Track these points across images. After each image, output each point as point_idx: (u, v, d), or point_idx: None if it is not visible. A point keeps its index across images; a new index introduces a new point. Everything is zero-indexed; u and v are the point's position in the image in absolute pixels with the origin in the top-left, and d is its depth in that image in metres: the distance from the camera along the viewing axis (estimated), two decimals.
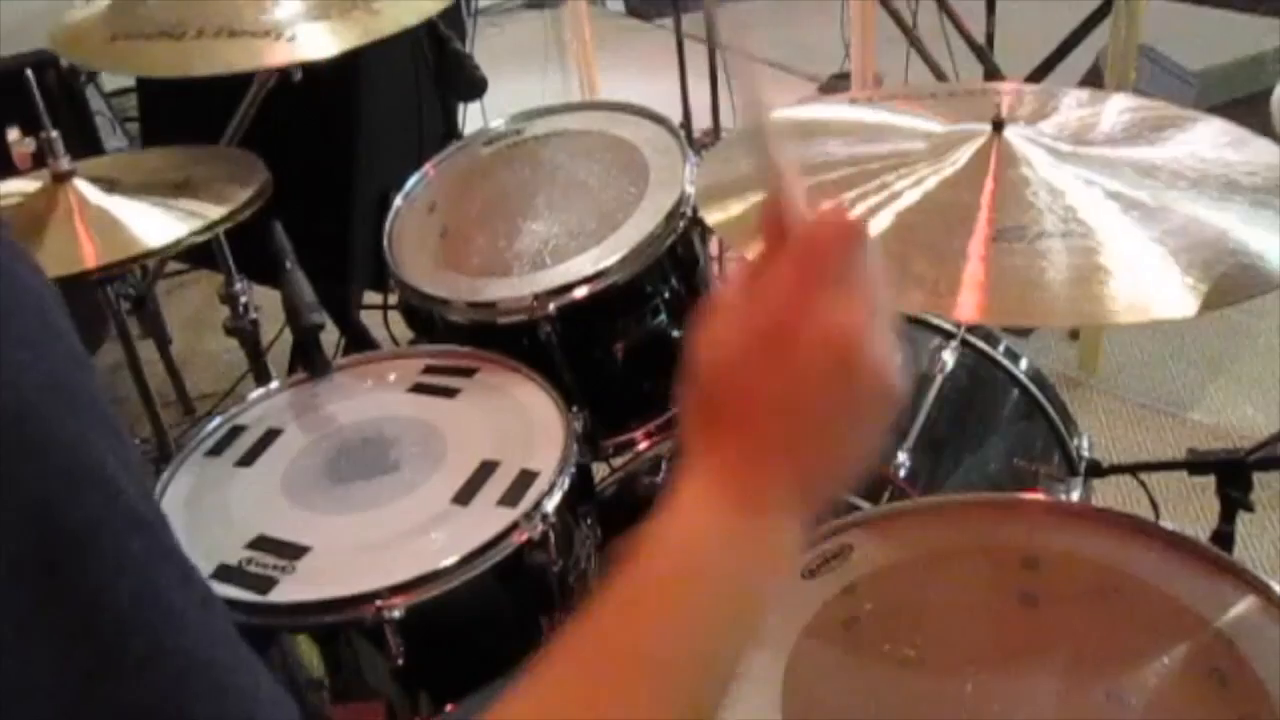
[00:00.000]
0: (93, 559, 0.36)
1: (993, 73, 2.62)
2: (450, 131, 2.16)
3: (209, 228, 1.34)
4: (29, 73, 1.37)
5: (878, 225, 1.02)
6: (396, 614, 1.00)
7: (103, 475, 0.37)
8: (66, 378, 0.38)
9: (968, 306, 0.94)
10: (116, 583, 0.36)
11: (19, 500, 0.35)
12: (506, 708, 0.47)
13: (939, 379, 1.39)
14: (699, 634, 0.50)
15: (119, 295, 2.00)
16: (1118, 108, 1.20)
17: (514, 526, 1.07)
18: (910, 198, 1.05)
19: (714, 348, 0.53)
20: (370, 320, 2.22)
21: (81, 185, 1.38)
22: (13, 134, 1.37)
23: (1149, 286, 0.92)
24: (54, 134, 1.37)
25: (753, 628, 0.53)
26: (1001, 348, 1.47)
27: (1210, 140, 1.12)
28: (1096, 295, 0.92)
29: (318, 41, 1.38)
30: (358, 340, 2.17)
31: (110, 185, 1.40)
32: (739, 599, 0.51)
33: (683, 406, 0.55)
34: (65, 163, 1.38)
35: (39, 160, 1.41)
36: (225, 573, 1.06)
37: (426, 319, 1.38)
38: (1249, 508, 1.15)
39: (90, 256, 1.30)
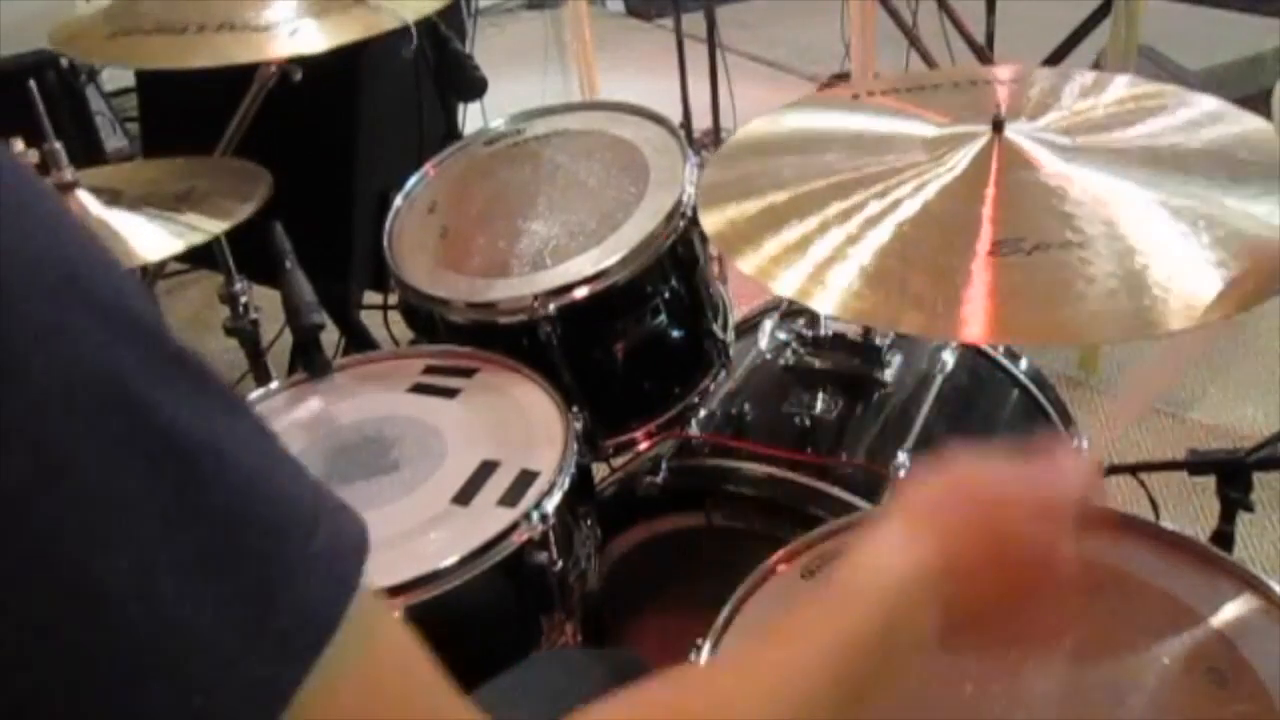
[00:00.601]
0: (158, 392, 0.39)
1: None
2: (450, 131, 2.16)
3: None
4: (31, 83, 1.37)
5: (875, 240, 1.01)
6: (396, 614, 0.99)
7: (151, 324, 0.40)
8: (98, 246, 0.41)
9: (971, 326, 0.92)
10: (177, 413, 0.39)
11: (82, 349, 0.37)
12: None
13: (939, 379, 1.39)
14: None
15: None
16: (1118, 94, 1.19)
17: (514, 526, 1.07)
18: (909, 209, 1.03)
19: (994, 469, 0.68)
20: (370, 320, 2.22)
21: (84, 196, 1.38)
22: (16, 146, 1.37)
23: (1166, 294, 0.90)
24: (57, 146, 1.38)
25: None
26: (1001, 348, 1.47)
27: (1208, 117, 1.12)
28: (1112, 309, 0.90)
29: (316, 37, 1.39)
30: (358, 340, 2.17)
31: (113, 197, 1.40)
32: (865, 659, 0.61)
33: (931, 481, 0.68)
34: (68, 174, 1.38)
35: (42, 170, 1.41)
36: None
37: (426, 319, 1.38)
38: (1249, 508, 1.15)
39: None
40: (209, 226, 1.36)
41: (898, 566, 0.62)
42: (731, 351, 1.45)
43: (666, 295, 1.36)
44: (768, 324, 1.47)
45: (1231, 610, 0.88)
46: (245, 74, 1.62)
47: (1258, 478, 1.14)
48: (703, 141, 3.13)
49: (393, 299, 1.75)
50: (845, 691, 0.58)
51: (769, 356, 1.45)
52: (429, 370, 1.32)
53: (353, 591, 0.43)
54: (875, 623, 0.60)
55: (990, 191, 1.03)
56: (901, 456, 1.25)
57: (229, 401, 0.42)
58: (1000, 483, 0.68)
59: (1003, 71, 1.29)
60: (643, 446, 1.40)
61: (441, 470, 1.16)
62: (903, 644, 0.61)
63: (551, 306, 1.28)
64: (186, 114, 1.75)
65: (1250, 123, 1.10)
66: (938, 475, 0.68)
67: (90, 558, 0.36)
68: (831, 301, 0.96)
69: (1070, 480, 0.70)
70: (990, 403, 1.48)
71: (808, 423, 1.34)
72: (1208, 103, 1.15)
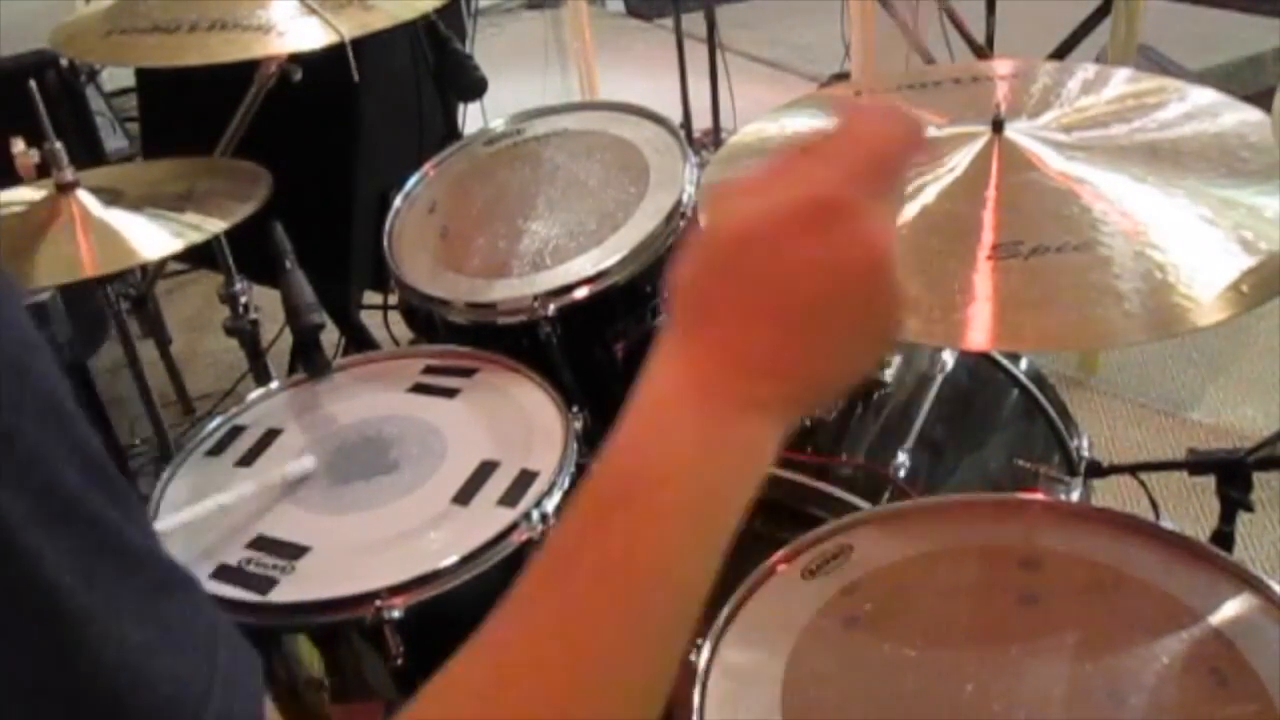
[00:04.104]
0: (46, 544, 0.35)
1: None
2: (450, 131, 2.16)
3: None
4: (32, 83, 1.38)
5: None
6: (396, 614, 1.00)
7: (48, 463, 0.36)
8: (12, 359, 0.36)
9: (969, 332, 0.91)
10: (61, 570, 0.35)
11: None
12: (485, 628, 0.46)
13: (939, 379, 1.38)
14: (666, 546, 0.45)
15: (119, 295, 2.01)
16: (1119, 89, 1.19)
17: (514, 526, 1.07)
18: (908, 211, 1.03)
19: (737, 216, 0.48)
20: (370, 320, 2.22)
21: (84, 196, 1.39)
22: (17, 146, 1.37)
23: (1166, 298, 0.90)
24: (58, 145, 1.38)
25: (721, 536, 0.47)
26: None
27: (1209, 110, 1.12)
28: (1115, 313, 0.90)
29: (309, 36, 1.39)
30: (358, 340, 2.17)
31: (113, 197, 1.41)
32: (707, 508, 0.46)
33: (681, 272, 0.49)
34: (69, 174, 1.39)
35: (43, 170, 1.41)
36: (225, 573, 1.06)
37: (426, 319, 1.38)
38: (1249, 508, 1.15)
39: (90, 266, 1.31)
40: (209, 226, 1.36)
41: (685, 426, 0.47)
42: None
43: (667, 295, 1.36)
44: None
45: (1231, 610, 0.88)
46: (245, 74, 1.62)
47: (1258, 478, 1.14)
48: (703, 141, 3.13)
49: (393, 299, 1.75)
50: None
51: None
52: (429, 370, 1.32)
53: None
54: (690, 500, 0.46)
55: (990, 193, 1.03)
56: (901, 456, 1.24)
57: (127, 557, 0.38)
58: (748, 219, 0.48)
59: (1003, 66, 1.29)
60: None
61: (441, 470, 1.16)
62: (748, 464, 0.47)
63: (551, 307, 1.28)
64: (186, 114, 1.76)
65: (1251, 116, 1.10)
66: (685, 257, 0.50)
67: None
68: None
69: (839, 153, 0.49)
70: (990, 403, 1.47)
71: (808, 423, 1.34)
72: (1208, 96, 1.15)
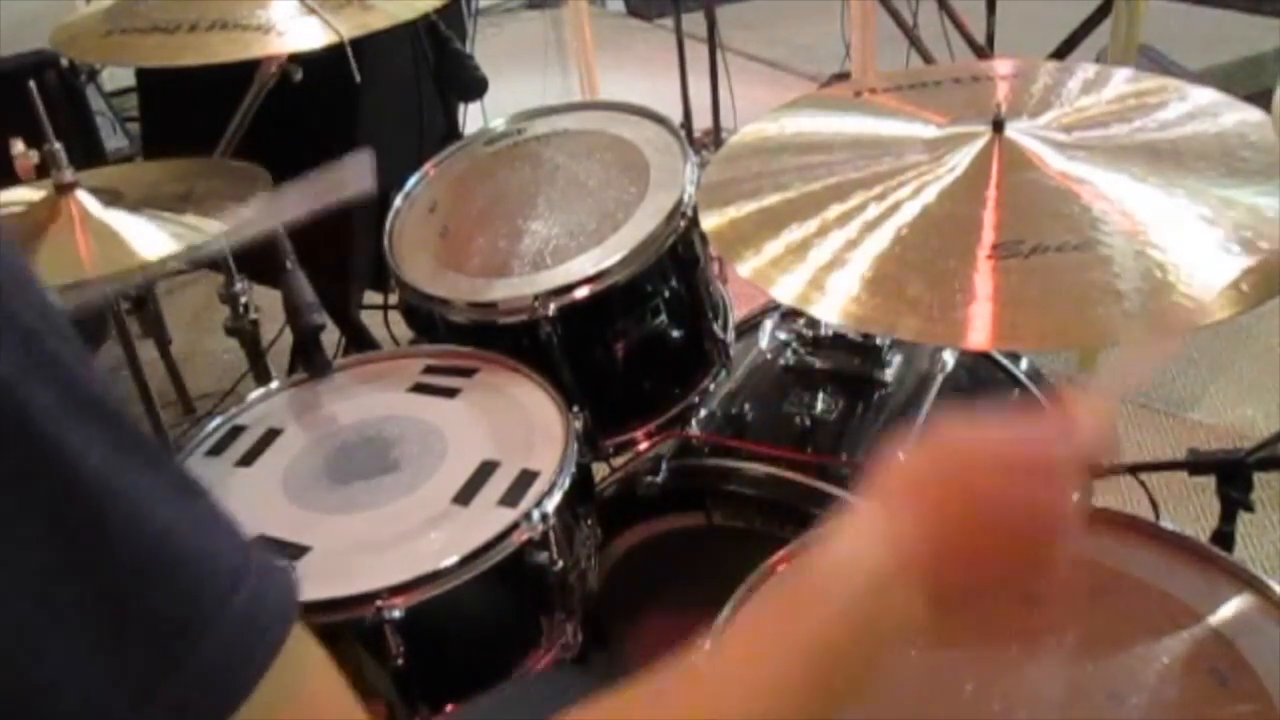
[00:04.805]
0: (70, 433, 0.37)
1: None
2: (450, 131, 2.16)
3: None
4: (32, 84, 1.37)
5: (875, 245, 1.01)
6: (396, 614, 1.00)
7: (72, 366, 0.38)
8: (29, 277, 0.39)
9: (970, 332, 0.91)
10: (87, 456, 0.37)
11: None
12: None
13: (939, 379, 1.39)
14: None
15: (119, 295, 2.01)
16: (1119, 89, 1.20)
17: (514, 526, 1.07)
18: (909, 211, 1.03)
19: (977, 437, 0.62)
20: (370, 320, 2.22)
21: (84, 197, 1.38)
22: (17, 147, 1.37)
23: (1166, 298, 0.90)
24: (57, 146, 1.37)
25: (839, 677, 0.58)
26: None
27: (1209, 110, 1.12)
28: (1115, 312, 0.90)
29: (309, 36, 1.39)
30: (358, 340, 2.17)
31: (112, 197, 1.41)
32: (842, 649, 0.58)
33: (902, 465, 0.63)
34: (68, 175, 1.38)
35: (42, 171, 1.41)
36: None
37: (426, 319, 1.38)
38: (1249, 508, 1.15)
39: (90, 267, 1.31)
40: (209, 228, 1.36)
41: (871, 561, 0.58)
42: (731, 351, 1.45)
43: (667, 295, 1.36)
44: (768, 324, 1.47)
45: (1231, 610, 0.88)
46: (246, 74, 1.62)
47: (1258, 478, 1.14)
48: (703, 141, 3.13)
49: (393, 299, 1.75)
50: (820, 695, 0.56)
51: (769, 356, 1.45)
52: (429, 370, 1.32)
53: (265, 662, 0.40)
54: (846, 625, 0.57)
55: (991, 193, 1.03)
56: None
57: (151, 455, 0.40)
58: (989, 449, 0.62)
59: (1003, 66, 1.29)
60: (643, 446, 1.40)
61: (442, 470, 1.16)
62: (884, 638, 0.59)
63: (552, 306, 1.28)
64: (187, 114, 1.76)
65: (1251, 116, 1.10)
66: (918, 452, 0.64)
67: None
68: (830, 308, 0.96)
69: (1069, 436, 0.63)
70: (990, 403, 1.48)
71: (808, 423, 1.34)
72: (1208, 96, 1.15)
